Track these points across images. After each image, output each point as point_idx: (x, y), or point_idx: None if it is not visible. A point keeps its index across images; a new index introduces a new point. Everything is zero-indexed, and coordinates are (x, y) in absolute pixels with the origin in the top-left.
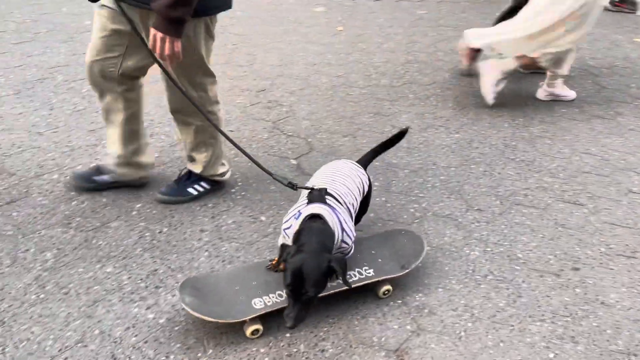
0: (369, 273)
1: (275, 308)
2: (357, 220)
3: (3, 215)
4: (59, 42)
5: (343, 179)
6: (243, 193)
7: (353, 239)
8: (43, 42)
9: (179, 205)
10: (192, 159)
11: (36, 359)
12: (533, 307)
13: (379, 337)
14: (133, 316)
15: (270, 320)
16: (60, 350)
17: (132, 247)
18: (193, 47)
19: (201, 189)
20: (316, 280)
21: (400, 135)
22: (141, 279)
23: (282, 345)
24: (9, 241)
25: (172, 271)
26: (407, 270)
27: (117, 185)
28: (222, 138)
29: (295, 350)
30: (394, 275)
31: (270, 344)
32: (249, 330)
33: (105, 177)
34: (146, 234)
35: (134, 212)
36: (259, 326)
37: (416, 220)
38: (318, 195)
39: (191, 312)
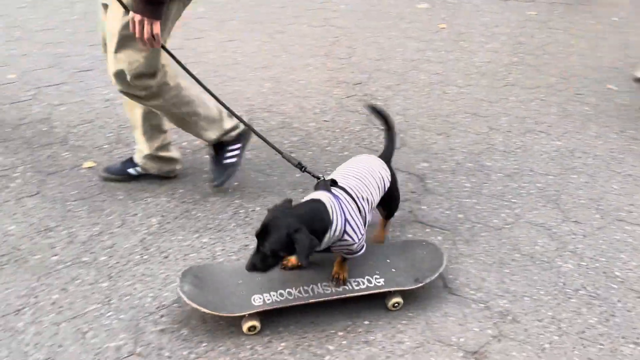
0: (379, 282)
1: (273, 307)
2: (390, 215)
3: (118, 182)
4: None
5: (359, 172)
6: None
7: (360, 235)
8: None
9: (272, 186)
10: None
11: (137, 312)
12: (627, 328)
13: (457, 337)
14: None
15: (350, 304)
16: (157, 307)
17: (227, 222)
18: (168, 29)
19: (234, 152)
20: (274, 240)
21: (375, 111)
22: (233, 252)
23: (360, 332)
24: (120, 205)
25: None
26: (420, 285)
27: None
28: (204, 97)
29: (372, 338)
30: (405, 288)
31: (349, 329)
32: (245, 326)
33: (132, 172)
34: (240, 211)
35: (231, 190)
36: (256, 323)
37: (507, 226)
38: (324, 184)
39: (187, 300)
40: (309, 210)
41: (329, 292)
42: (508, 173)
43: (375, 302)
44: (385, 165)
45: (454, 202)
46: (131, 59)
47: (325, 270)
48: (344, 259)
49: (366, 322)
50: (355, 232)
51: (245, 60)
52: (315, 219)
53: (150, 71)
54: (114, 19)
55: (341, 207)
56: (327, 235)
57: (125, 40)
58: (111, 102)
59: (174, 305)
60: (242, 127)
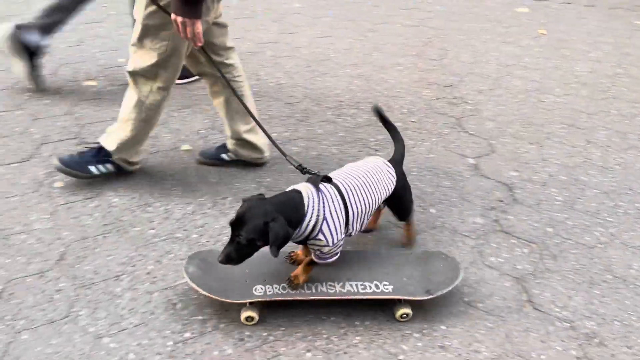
0: (387, 289)
1: (272, 299)
2: (401, 218)
3: (203, 167)
4: (271, 21)
5: (358, 173)
6: (417, 183)
7: (335, 239)
8: (258, 20)
9: None
10: (110, 130)
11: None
12: None
13: (538, 354)
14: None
15: (428, 306)
16: None
17: None
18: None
19: (104, 170)
20: (249, 229)
21: (380, 116)
22: None
23: (436, 336)
24: (212, 188)
25: (415, 232)
26: (430, 297)
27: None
28: (152, 129)
29: (448, 343)
30: (413, 298)
31: (425, 331)
32: (243, 315)
33: (225, 157)
34: None
35: None
36: (254, 314)
37: (600, 245)
38: (313, 179)
39: (190, 282)
40: (285, 200)
41: (332, 291)
42: (605, 190)
43: (456, 306)
44: (390, 168)
45: (544, 215)
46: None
47: (330, 270)
48: (312, 262)
49: (443, 327)
50: (332, 234)
51: (337, 57)
52: (291, 208)
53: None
54: (139, 9)
55: (323, 203)
56: (300, 228)
57: (147, 29)
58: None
59: None
60: (135, 167)
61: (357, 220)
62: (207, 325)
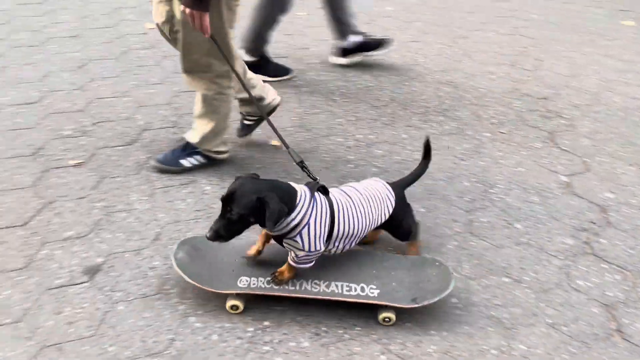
0: (372, 293)
1: (254, 292)
2: (402, 239)
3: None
4: (362, 23)
5: (358, 196)
6: (502, 196)
7: (312, 248)
8: None
9: (436, 189)
10: (193, 127)
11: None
12: None
13: None
14: None
15: (509, 323)
16: None
17: None
18: (216, 19)
19: (195, 162)
20: (242, 204)
21: (427, 148)
22: (391, 248)
23: (515, 355)
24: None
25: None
26: (416, 305)
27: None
28: (227, 117)
29: None
30: (397, 305)
31: (503, 349)
32: (228, 304)
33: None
34: None
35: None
36: (239, 303)
37: None
38: (312, 184)
39: (176, 268)
40: (280, 185)
41: (315, 290)
42: None
43: (538, 327)
44: (390, 193)
45: None
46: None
47: (319, 268)
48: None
49: (523, 347)
50: (309, 241)
51: (426, 62)
52: (284, 194)
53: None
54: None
55: (312, 208)
56: (286, 219)
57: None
58: (298, 89)
59: None
60: (225, 156)
61: (340, 240)
62: (286, 316)
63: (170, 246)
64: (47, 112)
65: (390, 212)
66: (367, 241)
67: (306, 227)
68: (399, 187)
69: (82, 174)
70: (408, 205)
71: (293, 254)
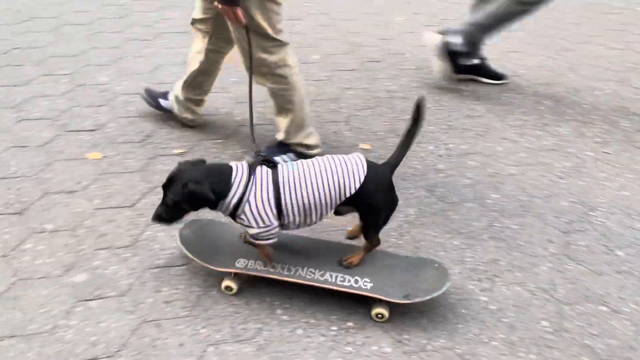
0: (365, 285)
1: (249, 273)
2: (365, 232)
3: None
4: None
5: (315, 167)
6: (604, 220)
7: (257, 223)
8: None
9: (532, 206)
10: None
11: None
12: None
13: None
14: (467, 291)
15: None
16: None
17: (480, 231)
18: (248, 13)
19: (288, 160)
20: (174, 191)
21: (418, 111)
22: (482, 262)
23: None
24: None
25: (513, 267)
26: (407, 302)
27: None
28: (303, 105)
29: None
30: (387, 299)
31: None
32: (223, 284)
33: (164, 104)
34: (496, 224)
35: (490, 200)
36: (233, 285)
37: None
38: (253, 161)
39: (179, 242)
40: (214, 169)
41: (309, 277)
42: None
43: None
44: (361, 169)
45: None
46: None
47: (319, 257)
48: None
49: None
50: (254, 218)
51: (526, 74)
52: (216, 178)
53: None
54: None
55: (252, 185)
56: (224, 201)
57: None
58: (392, 94)
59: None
60: (316, 151)
61: (294, 213)
62: (369, 320)
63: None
64: (162, 92)
65: (357, 188)
66: (351, 236)
67: (247, 204)
68: (387, 167)
69: None
70: (393, 193)
71: (249, 233)
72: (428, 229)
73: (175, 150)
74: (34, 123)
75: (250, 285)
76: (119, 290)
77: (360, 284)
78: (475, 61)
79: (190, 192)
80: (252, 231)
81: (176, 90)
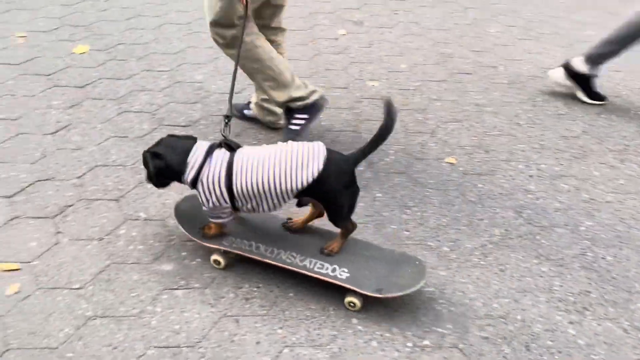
0: (341, 275)
1: (235, 251)
2: (332, 220)
3: (468, 182)
4: (557, 46)
5: (272, 154)
6: None
7: (208, 202)
8: (543, 43)
9: (630, 238)
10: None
11: (465, 310)
12: None
13: None
14: (555, 322)
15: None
16: (485, 315)
17: (571, 259)
18: None
19: (297, 121)
20: (144, 161)
21: (389, 109)
22: (571, 293)
23: None
24: (470, 206)
25: (605, 302)
26: (378, 295)
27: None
28: (272, 60)
29: None
30: (359, 290)
31: None
32: (212, 258)
33: (248, 113)
34: (588, 253)
35: (583, 227)
36: (221, 259)
37: None
38: (215, 143)
39: (174, 215)
40: (176, 146)
41: (289, 262)
42: None
43: None
44: (318, 157)
45: None
46: (212, 5)
47: (303, 243)
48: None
49: None
50: (206, 198)
51: (629, 95)
52: (175, 154)
53: (226, 22)
54: None
55: (207, 166)
56: (184, 176)
57: None
58: (481, 108)
59: (500, 319)
60: (312, 99)
61: (246, 197)
62: (446, 340)
63: None
64: (247, 102)
65: (314, 177)
66: (293, 226)
67: (200, 182)
68: (350, 159)
69: None
70: (354, 184)
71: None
72: (514, 251)
73: None
74: (134, 115)
75: (326, 289)
76: (203, 282)
77: (337, 272)
78: (586, 71)
79: (149, 164)
80: (203, 208)
81: (254, 97)
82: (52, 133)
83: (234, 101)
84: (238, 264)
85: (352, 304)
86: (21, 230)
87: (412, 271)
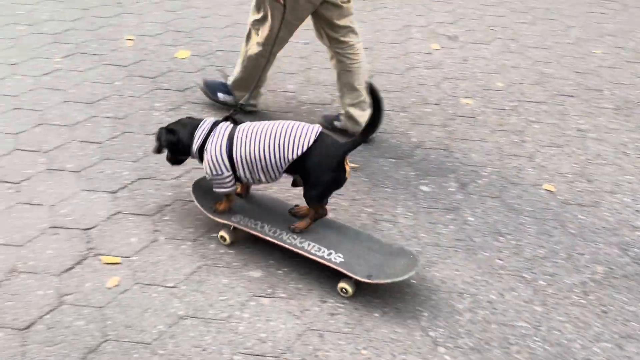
0: (336, 259)
1: (242, 228)
2: (305, 196)
3: (567, 213)
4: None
5: (270, 128)
6: None
7: (212, 170)
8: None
9: None
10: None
11: (562, 351)
12: None
13: None
14: None
15: None
16: (580, 354)
17: None
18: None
19: (228, 99)
20: (157, 136)
21: (373, 96)
22: None
23: None
24: (569, 238)
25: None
26: (367, 281)
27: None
28: (259, 70)
29: None
30: (350, 274)
31: None
32: (219, 234)
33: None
34: None
35: None
36: (227, 235)
37: None
38: (223, 118)
39: (191, 191)
40: (187, 123)
41: (289, 242)
42: None
43: None
44: (310, 135)
45: None
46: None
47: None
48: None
49: None
50: (210, 164)
51: None
52: (185, 130)
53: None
54: None
55: (212, 137)
56: (192, 149)
57: None
58: (584, 134)
59: None
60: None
61: (244, 167)
62: None
63: (428, 268)
64: (337, 113)
65: (301, 151)
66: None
67: (206, 152)
68: (341, 146)
69: (358, 177)
70: (339, 170)
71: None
72: (619, 292)
73: (351, 164)
74: None
75: (414, 314)
76: (289, 292)
77: (333, 256)
78: None
79: (161, 139)
80: (207, 177)
81: (343, 106)
82: (154, 134)
83: (325, 112)
84: (323, 277)
85: (344, 290)
86: (123, 225)
87: (404, 263)
